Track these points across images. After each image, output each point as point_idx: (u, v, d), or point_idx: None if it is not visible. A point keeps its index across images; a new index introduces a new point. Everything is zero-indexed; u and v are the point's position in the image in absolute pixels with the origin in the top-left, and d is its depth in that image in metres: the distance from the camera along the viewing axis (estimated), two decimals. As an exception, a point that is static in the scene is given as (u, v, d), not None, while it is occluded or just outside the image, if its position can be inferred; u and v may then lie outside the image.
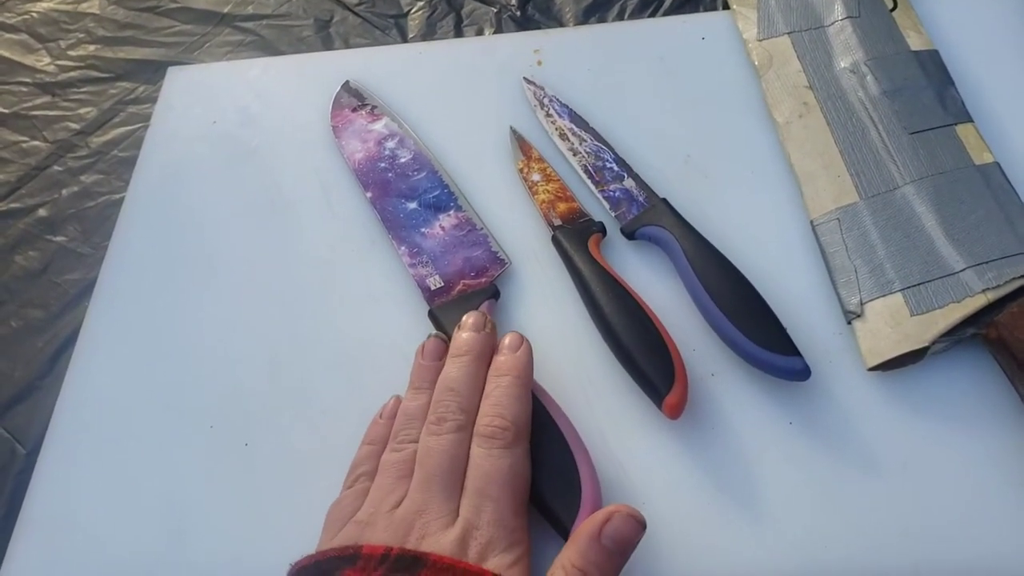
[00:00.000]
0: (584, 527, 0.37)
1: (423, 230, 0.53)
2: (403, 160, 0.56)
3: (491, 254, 0.52)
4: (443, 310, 0.49)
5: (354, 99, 0.59)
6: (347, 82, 0.60)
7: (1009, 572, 0.39)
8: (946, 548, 0.40)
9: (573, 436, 0.43)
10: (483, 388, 0.43)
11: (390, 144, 0.56)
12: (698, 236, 0.48)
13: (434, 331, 0.47)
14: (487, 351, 0.45)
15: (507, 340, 0.45)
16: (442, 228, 0.53)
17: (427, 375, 0.45)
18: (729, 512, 0.42)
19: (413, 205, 0.54)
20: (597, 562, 0.36)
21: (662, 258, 0.50)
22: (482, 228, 0.53)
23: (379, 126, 0.57)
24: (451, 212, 0.53)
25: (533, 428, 0.42)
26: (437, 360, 0.45)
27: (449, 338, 0.47)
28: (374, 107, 0.58)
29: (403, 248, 0.52)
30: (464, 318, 0.46)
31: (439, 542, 0.38)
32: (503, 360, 0.44)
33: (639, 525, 0.36)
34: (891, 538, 0.41)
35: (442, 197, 0.54)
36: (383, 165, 0.56)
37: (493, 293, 0.50)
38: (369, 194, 0.55)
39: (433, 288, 0.50)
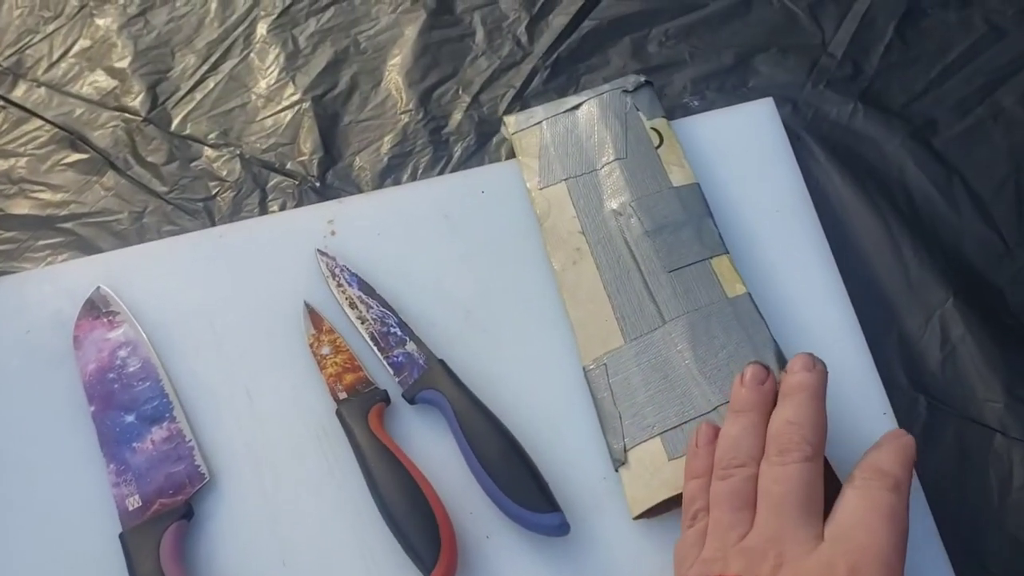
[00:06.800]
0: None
1: (135, 445, 0.53)
2: (131, 369, 0.56)
3: (192, 468, 0.51)
4: (134, 533, 0.49)
5: (98, 307, 0.59)
6: (97, 288, 0.59)
7: None
8: None
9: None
10: (825, 425, 0.42)
11: (122, 353, 0.56)
12: (470, 397, 0.49)
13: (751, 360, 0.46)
14: (821, 390, 0.43)
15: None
16: (152, 442, 0.53)
17: (748, 397, 0.44)
18: None
19: (131, 418, 0.54)
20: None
21: (442, 421, 0.51)
22: (190, 440, 0.52)
23: (117, 334, 0.57)
24: (164, 424, 0.53)
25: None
26: (759, 385, 0.44)
27: None
28: (116, 314, 0.58)
29: (111, 466, 0.52)
30: (792, 361, 0.44)
31: (800, 568, 0.36)
32: None
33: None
34: None
35: (160, 407, 0.54)
36: (112, 376, 0.56)
37: (186, 513, 0.49)
38: (92, 408, 0.55)
39: (131, 508, 0.50)
